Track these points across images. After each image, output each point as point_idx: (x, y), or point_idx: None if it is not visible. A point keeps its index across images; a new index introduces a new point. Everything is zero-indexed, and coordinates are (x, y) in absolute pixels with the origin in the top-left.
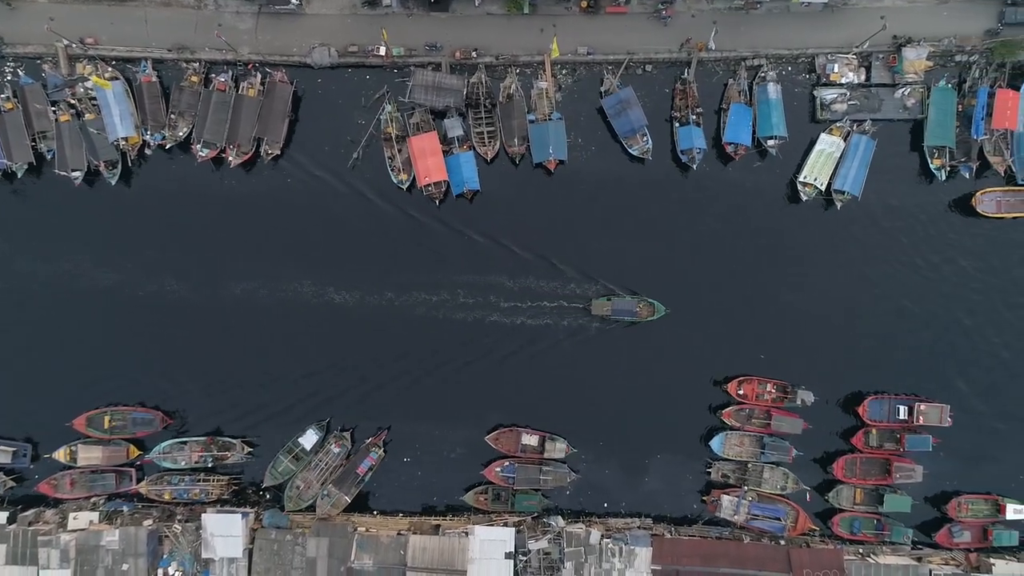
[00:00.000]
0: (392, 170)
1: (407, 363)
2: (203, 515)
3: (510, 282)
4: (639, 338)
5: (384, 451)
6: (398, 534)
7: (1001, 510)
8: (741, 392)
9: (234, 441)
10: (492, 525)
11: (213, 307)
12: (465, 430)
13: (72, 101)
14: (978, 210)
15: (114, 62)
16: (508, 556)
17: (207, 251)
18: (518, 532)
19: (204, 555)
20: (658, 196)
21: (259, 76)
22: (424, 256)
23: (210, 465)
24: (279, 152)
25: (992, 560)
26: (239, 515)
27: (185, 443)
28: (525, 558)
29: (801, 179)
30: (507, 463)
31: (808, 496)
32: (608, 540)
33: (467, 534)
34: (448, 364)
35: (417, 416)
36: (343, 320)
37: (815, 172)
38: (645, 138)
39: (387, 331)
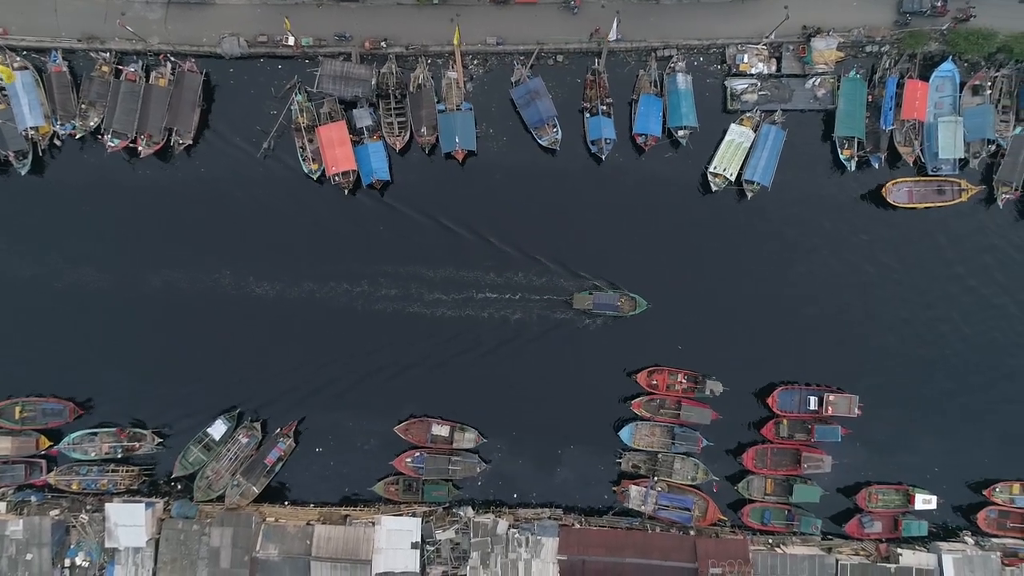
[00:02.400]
0: (303, 160)
1: (323, 353)
2: (106, 505)
3: (431, 272)
4: (551, 330)
5: (295, 442)
6: (307, 524)
7: (911, 500)
8: (653, 382)
9: (145, 432)
10: (399, 515)
11: (127, 298)
12: (379, 421)
13: None
14: (889, 200)
15: (24, 52)
16: (414, 546)
17: (122, 241)
18: (426, 522)
19: (108, 545)
20: (567, 186)
21: (169, 66)
22: (341, 246)
23: (120, 456)
24: (191, 142)
25: (899, 550)
26: (142, 505)
27: (96, 434)
28: (433, 548)
29: (711, 170)
30: (418, 453)
31: (715, 487)
32: (515, 530)
33: (374, 524)
34: (364, 354)
35: (331, 407)
36: (261, 310)
37: (725, 163)
38: (555, 128)
39: (304, 321)
